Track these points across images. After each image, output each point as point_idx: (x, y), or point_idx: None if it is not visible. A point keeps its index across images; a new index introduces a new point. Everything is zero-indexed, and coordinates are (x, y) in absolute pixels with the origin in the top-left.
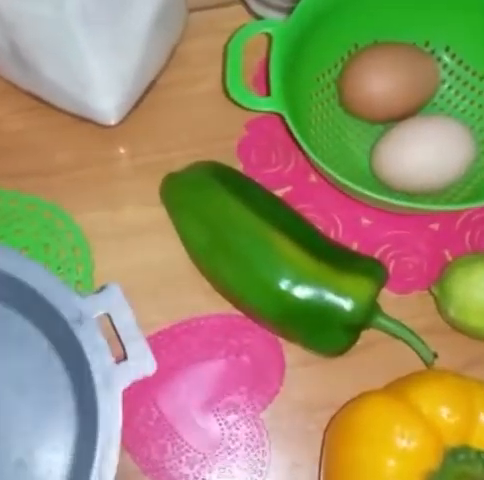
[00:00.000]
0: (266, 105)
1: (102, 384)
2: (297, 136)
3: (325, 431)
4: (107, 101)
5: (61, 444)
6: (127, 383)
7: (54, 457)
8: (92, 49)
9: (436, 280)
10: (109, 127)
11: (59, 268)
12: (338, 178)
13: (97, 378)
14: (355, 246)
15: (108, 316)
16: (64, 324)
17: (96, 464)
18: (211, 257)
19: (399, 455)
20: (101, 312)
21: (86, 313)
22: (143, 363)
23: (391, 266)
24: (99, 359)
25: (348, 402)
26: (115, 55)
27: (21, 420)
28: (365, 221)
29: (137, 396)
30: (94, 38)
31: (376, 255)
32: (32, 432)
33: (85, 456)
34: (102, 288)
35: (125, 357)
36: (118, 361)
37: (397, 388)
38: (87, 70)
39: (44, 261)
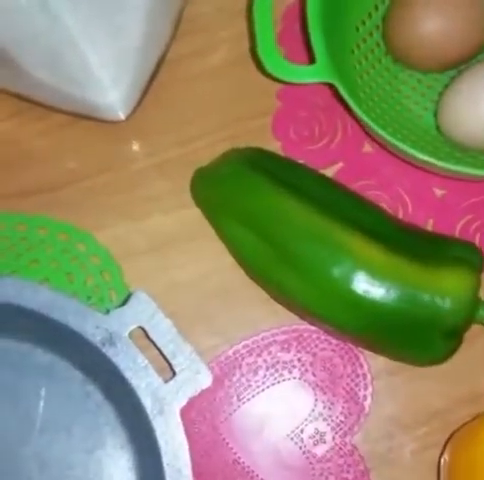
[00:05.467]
0: (312, 75)
1: (154, 409)
2: (353, 107)
3: (441, 455)
4: (112, 94)
5: None
6: (183, 402)
7: None
8: (85, 36)
9: None
10: (117, 122)
11: (89, 298)
12: (401, 146)
13: (147, 403)
14: (430, 223)
15: (142, 329)
16: (94, 349)
17: None
18: (265, 264)
19: None
20: (133, 326)
21: (116, 332)
22: (196, 376)
23: (477, 240)
24: (144, 381)
25: (464, 427)
26: (113, 39)
27: (75, 465)
28: (438, 191)
29: (205, 439)
30: (85, 23)
31: (457, 231)
32: (86, 477)
33: None
34: (126, 299)
35: (173, 373)
36: (166, 380)
37: None
38: (83, 63)
39: (71, 292)
